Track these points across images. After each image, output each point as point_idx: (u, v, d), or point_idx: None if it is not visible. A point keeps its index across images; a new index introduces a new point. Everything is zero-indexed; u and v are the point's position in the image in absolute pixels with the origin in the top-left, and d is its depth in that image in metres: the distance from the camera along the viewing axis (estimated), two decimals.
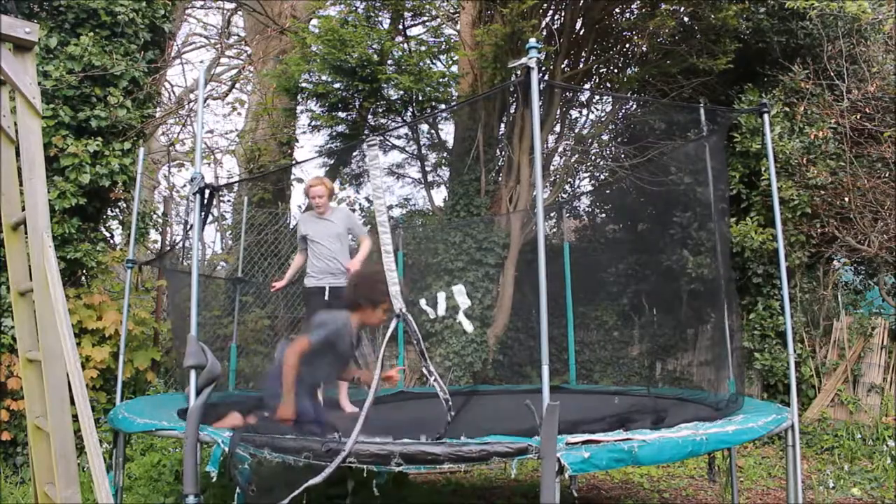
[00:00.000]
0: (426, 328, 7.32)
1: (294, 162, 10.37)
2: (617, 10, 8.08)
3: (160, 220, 7.46)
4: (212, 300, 8.05)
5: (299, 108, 9.60)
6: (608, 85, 8.75)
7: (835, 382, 6.73)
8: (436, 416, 3.22)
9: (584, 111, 9.54)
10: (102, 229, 6.42)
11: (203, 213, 3.55)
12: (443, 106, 8.32)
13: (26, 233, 2.97)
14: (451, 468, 2.69)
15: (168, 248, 6.51)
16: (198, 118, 3.73)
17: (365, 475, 2.85)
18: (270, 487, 2.87)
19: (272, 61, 9.68)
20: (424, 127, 9.45)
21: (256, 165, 9.60)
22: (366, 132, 8.51)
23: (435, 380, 3.09)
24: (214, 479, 3.05)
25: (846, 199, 6.72)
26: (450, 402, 3.06)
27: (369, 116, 8.72)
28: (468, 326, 4.03)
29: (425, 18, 9.58)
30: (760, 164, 6.94)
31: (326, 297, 4.85)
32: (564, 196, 9.41)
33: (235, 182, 9.51)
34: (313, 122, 9.18)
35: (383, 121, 8.81)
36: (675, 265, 7.69)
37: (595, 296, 8.56)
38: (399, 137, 9.65)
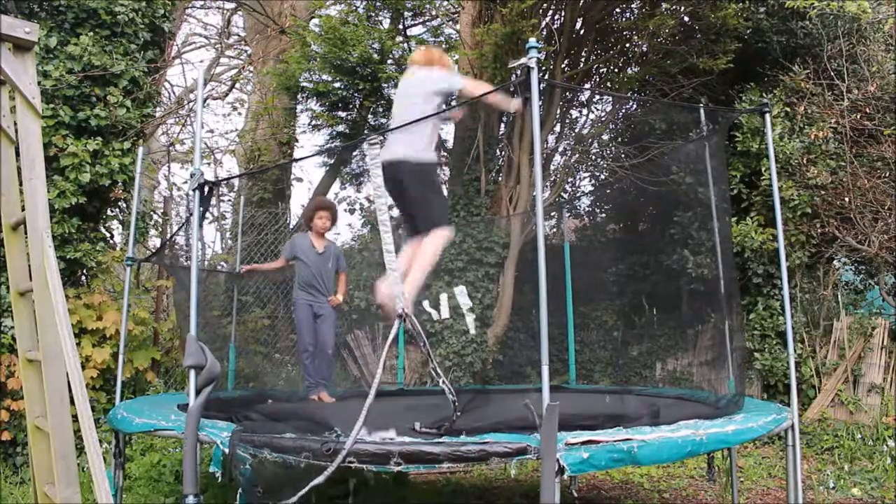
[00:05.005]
0: (426, 328, 7.32)
1: (294, 158, 10.36)
2: (617, 9, 8.07)
3: (160, 220, 7.46)
4: (212, 300, 8.05)
5: (299, 107, 9.60)
6: (608, 85, 8.75)
7: (835, 382, 6.73)
8: (436, 412, 3.23)
9: (584, 111, 9.55)
10: (102, 229, 6.42)
11: (202, 209, 3.56)
12: (443, 106, 8.29)
13: (26, 233, 2.97)
14: (450, 468, 2.70)
15: (168, 239, 6.52)
16: (197, 118, 3.73)
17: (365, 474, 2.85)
18: (276, 487, 2.86)
19: (272, 61, 9.68)
20: None
21: (256, 165, 9.61)
22: (366, 131, 8.51)
23: (443, 381, 3.09)
24: (220, 480, 3.04)
25: (846, 198, 6.72)
26: (457, 403, 3.06)
27: (369, 116, 8.72)
28: (472, 328, 4.04)
29: (425, 18, 9.59)
30: (761, 163, 6.94)
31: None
32: (564, 196, 9.40)
33: (235, 178, 9.48)
34: (313, 122, 9.19)
35: (384, 120, 8.81)
36: (676, 265, 7.69)
37: (595, 296, 8.55)
38: None
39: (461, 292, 3.99)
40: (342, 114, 8.74)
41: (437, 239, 3.89)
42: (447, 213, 4.07)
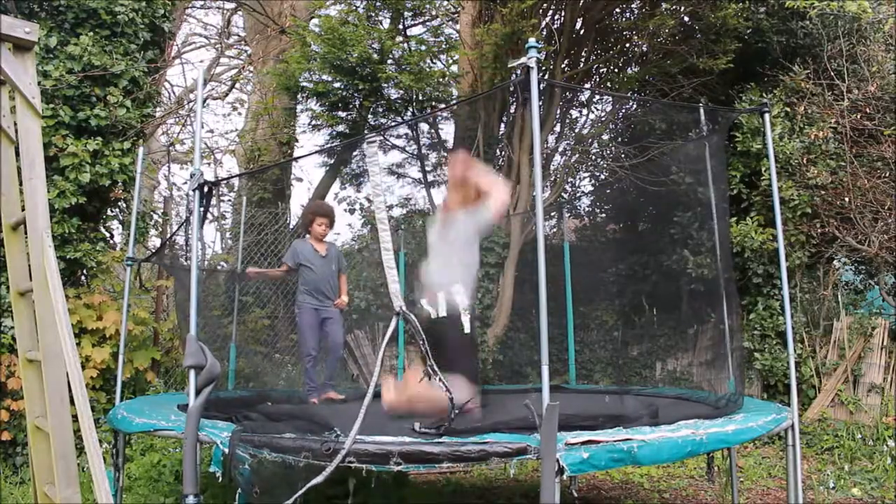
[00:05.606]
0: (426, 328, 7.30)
1: (294, 157, 10.36)
2: (617, 9, 8.08)
3: (160, 220, 7.45)
4: (212, 300, 8.05)
5: (299, 107, 9.60)
6: (608, 85, 8.76)
7: (835, 382, 6.73)
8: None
9: (584, 111, 9.56)
10: (102, 229, 6.42)
11: (202, 210, 3.56)
12: (443, 105, 8.31)
13: (26, 233, 2.97)
14: (450, 468, 2.70)
15: (168, 239, 6.53)
16: (197, 118, 3.73)
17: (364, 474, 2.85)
18: (273, 488, 2.86)
19: (272, 61, 9.69)
20: (424, 126, 9.44)
21: (256, 165, 9.61)
22: (366, 131, 8.51)
23: (439, 378, 3.08)
24: (220, 480, 3.04)
25: (846, 198, 6.72)
26: (454, 401, 3.06)
27: (369, 116, 8.72)
28: (467, 328, 3.99)
29: (425, 18, 9.59)
30: (761, 163, 6.94)
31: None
32: (564, 196, 9.41)
33: (235, 177, 9.48)
34: (313, 122, 9.18)
35: (383, 120, 8.81)
36: (676, 265, 7.69)
37: (595, 296, 8.55)
38: (399, 137, 9.65)
39: (458, 291, 3.96)
40: (342, 114, 8.74)
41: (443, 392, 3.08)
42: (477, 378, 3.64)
